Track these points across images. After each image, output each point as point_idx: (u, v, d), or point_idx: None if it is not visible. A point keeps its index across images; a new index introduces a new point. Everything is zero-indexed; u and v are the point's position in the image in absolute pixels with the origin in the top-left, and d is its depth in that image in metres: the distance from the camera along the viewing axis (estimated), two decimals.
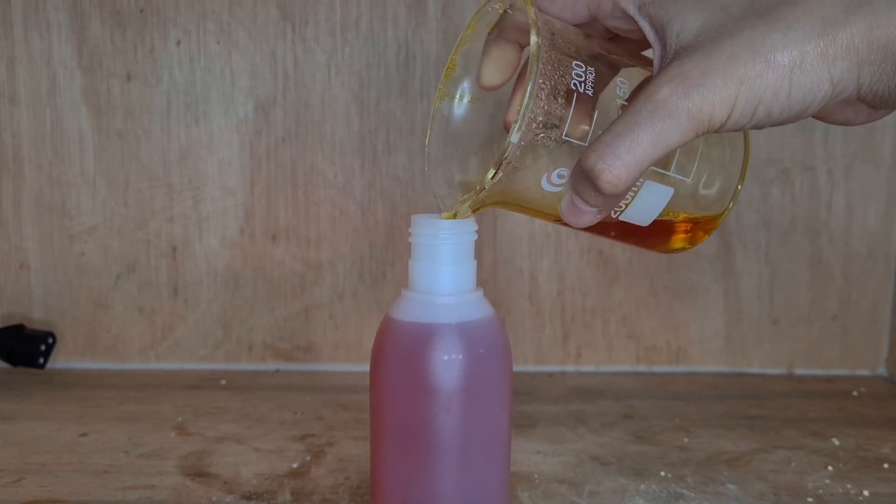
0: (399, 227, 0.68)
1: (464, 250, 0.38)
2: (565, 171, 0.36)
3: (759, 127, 0.32)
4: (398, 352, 0.38)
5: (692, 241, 0.40)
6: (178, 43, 0.66)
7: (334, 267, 0.69)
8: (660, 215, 0.37)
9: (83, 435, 0.55)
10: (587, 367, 0.71)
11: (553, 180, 0.36)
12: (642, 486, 0.48)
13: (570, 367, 0.71)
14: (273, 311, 0.70)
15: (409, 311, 0.38)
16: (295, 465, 0.50)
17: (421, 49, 0.66)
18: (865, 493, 0.47)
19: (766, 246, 0.69)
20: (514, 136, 0.33)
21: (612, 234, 0.40)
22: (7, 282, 0.69)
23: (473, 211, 0.38)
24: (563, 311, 0.70)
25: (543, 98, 0.33)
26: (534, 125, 0.33)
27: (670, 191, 0.37)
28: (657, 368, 0.71)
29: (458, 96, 0.41)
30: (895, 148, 0.68)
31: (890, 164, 0.68)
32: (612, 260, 0.69)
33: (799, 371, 0.71)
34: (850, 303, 0.70)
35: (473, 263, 0.39)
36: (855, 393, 0.66)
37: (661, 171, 0.36)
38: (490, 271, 0.69)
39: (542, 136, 0.34)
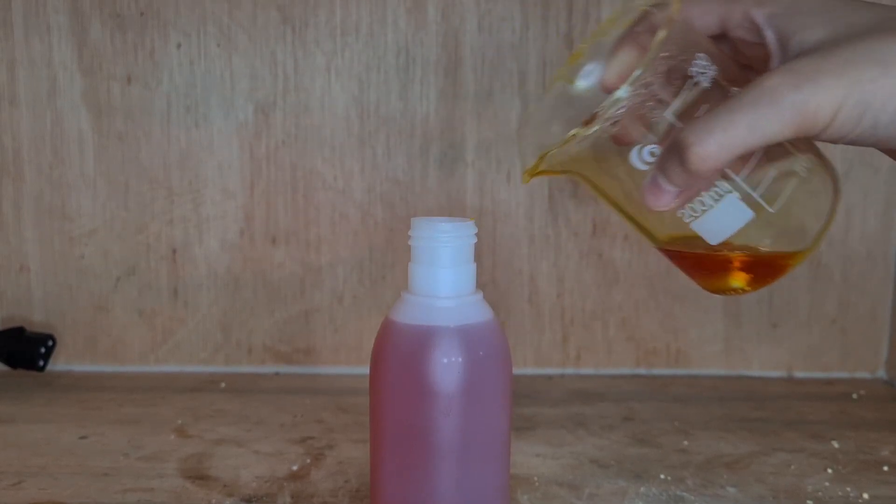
0: (399, 229, 0.68)
1: (463, 253, 0.38)
2: (657, 150, 0.35)
3: (860, 141, 0.32)
4: (398, 354, 0.38)
5: (753, 283, 0.39)
6: (179, 46, 0.66)
7: (334, 270, 0.69)
8: (731, 237, 0.36)
9: (83, 437, 0.55)
10: (587, 370, 0.71)
11: (644, 156, 0.35)
12: (642, 489, 0.48)
13: (569, 370, 0.71)
14: (273, 314, 0.70)
15: (409, 313, 0.38)
16: (295, 468, 0.50)
17: (421, 52, 0.66)
18: (865, 495, 0.47)
19: None
20: (623, 91, 0.33)
21: (684, 262, 0.39)
22: (7, 284, 0.69)
23: (551, 171, 0.37)
24: (563, 314, 0.70)
25: (661, 71, 0.33)
26: (644, 91, 0.33)
27: (750, 214, 0.36)
28: (657, 371, 0.71)
29: (575, 81, 0.41)
30: None
31: (888, 167, 0.68)
32: (611, 262, 0.69)
33: (798, 374, 0.71)
34: (850, 306, 0.70)
35: (473, 266, 0.39)
36: (854, 395, 0.66)
37: (748, 189, 0.36)
38: (490, 274, 0.69)
39: (649, 105, 0.34)
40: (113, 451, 0.53)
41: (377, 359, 0.39)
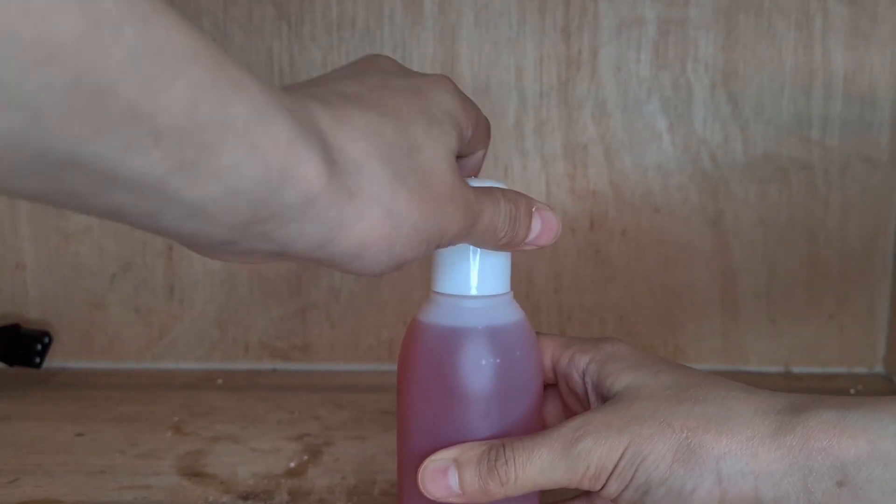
0: None
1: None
2: None
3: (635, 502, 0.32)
4: (430, 357, 0.36)
5: None
6: None
7: None
8: None
9: (79, 435, 0.55)
10: None
11: None
12: None
13: None
14: (269, 311, 0.69)
15: (439, 314, 0.37)
16: (292, 465, 0.50)
17: (417, 47, 0.66)
18: None
19: (763, 244, 0.69)
20: None
21: None
22: (3, 282, 0.69)
23: None
24: (560, 310, 0.70)
25: None
26: None
27: None
28: None
29: None
30: (892, 146, 0.68)
31: (887, 162, 0.68)
32: (608, 259, 0.69)
33: (796, 369, 0.71)
34: (848, 301, 0.70)
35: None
36: (852, 391, 0.66)
37: None
38: None
39: None
40: (109, 449, 0.53)
41: (407, 363, 0.37)
